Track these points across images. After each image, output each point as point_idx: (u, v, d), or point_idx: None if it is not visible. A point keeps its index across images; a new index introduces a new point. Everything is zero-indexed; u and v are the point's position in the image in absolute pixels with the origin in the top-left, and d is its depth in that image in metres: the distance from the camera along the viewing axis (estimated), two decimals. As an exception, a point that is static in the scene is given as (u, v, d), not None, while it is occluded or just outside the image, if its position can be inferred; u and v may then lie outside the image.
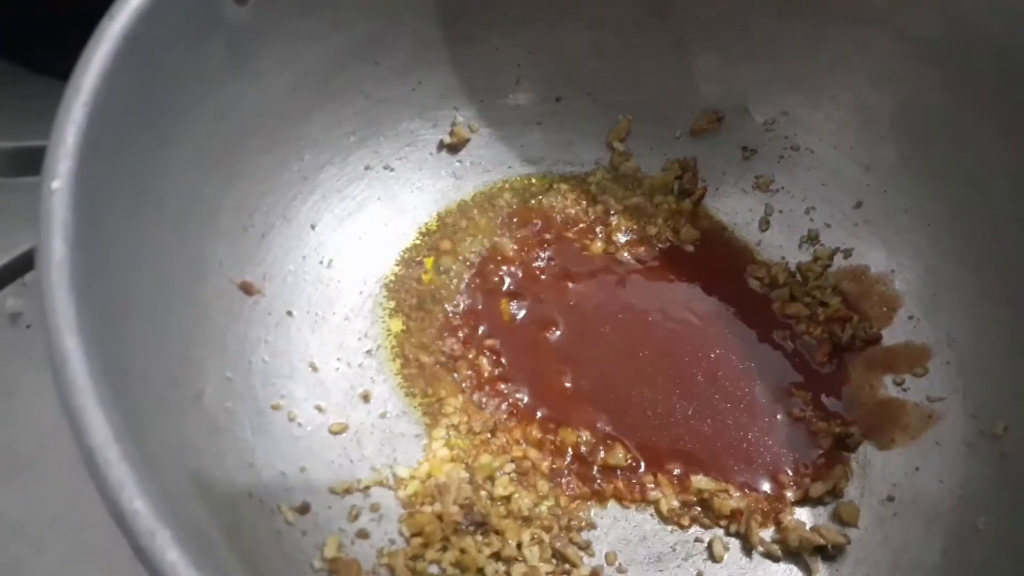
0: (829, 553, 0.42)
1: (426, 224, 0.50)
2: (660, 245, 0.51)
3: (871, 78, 0.45)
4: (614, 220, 0.51)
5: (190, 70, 0.33)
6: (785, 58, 0.47)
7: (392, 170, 0.49)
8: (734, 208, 0.52)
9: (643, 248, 0.51)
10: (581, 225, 0.51)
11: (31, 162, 0.46)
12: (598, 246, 0.51)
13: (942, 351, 0.45)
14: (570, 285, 0.49)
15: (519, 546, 0.41)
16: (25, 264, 0.46)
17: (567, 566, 0.41)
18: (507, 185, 0.52)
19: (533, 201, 0.52)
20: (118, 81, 0.29)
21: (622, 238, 0.51)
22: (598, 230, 0.51)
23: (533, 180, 0.52)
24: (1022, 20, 0.39)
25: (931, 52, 0.43)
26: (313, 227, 0.45)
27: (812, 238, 0.50)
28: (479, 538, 0.41)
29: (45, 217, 0.25)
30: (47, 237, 0.25)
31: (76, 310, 0.24)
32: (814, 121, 0.49)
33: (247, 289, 0.41)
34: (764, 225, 0.51)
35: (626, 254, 0.51)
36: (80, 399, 0.23)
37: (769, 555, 0.42)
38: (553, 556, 0.41)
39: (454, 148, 0.51)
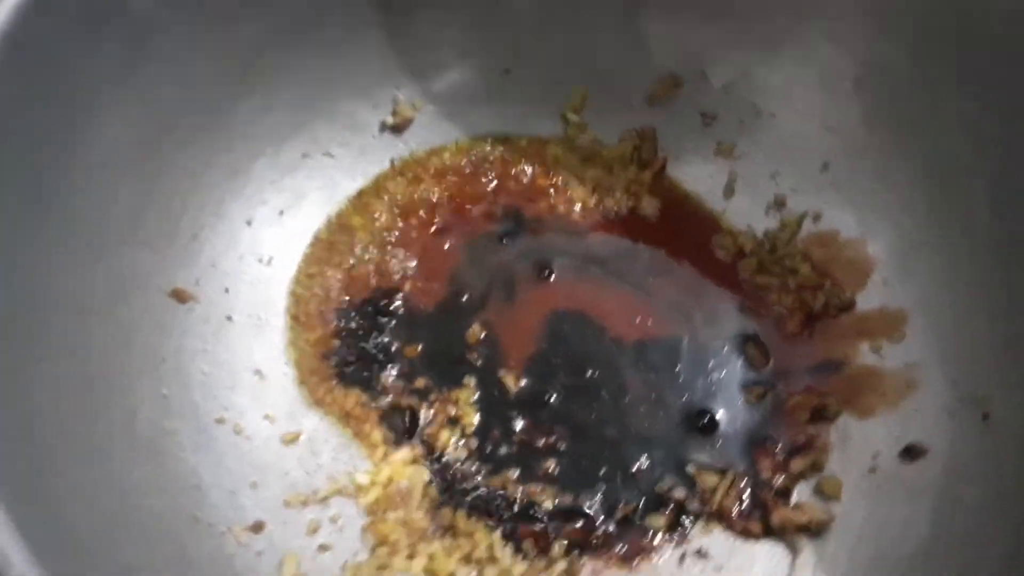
0: (813, 532, 0.41)
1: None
2: (620, 213, 0.49)
3: (831, 37, 0.44)
4: (571, 191, 0.49)
5: (87, 66, 0.30)
6: (741, 17, 0.45)
7: (332, 156, 0.46)
8: (696, 176, 0.50)
9: (600, 215, 0.49)
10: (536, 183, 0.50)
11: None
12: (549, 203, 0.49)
13: (918, 315, 0.44)
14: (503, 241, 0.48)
15: (490, 547, 0.39)
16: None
17: (542, 563, 0.39)
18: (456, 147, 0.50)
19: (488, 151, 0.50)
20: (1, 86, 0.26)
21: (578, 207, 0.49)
22: (551, 191, 0.49)
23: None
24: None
25: (891, 9, 0.41)
26: (248, 223, 0.43)
27: (779, 204, 0.49)
28: (447, 542, 0.40)
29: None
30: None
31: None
32: (774, 83, 0.47)
33: (179, 297, 0.39)
34: (728, 192, 0.50)
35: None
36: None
37: (752, 535, 0.41)
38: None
39: (398, 129, 0.48)
